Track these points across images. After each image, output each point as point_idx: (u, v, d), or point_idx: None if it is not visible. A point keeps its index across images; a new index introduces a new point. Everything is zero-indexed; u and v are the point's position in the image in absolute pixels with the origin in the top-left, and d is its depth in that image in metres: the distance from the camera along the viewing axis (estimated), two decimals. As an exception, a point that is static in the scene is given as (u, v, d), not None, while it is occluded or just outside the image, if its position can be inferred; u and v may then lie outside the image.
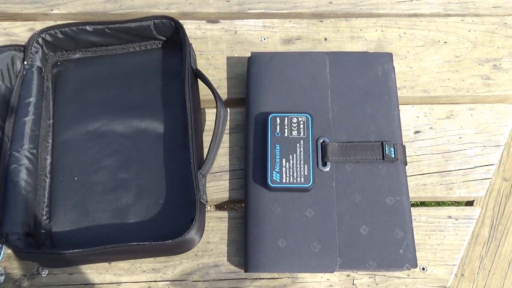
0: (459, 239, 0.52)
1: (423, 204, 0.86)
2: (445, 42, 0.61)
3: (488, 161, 0.55)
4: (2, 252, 0.48)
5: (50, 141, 0.54)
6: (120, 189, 0.52)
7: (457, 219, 0.53)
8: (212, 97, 0.53)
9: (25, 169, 0.50)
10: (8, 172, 0.50)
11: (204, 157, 0.50)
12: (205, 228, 0.52)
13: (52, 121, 0.55)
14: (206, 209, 0.53)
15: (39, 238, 0.50)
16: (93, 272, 0.50)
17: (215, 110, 0.56)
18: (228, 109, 0.57)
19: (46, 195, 0.52)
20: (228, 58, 0.60)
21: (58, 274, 0.50)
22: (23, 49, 0.56)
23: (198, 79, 0.56)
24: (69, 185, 0.52)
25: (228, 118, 0.56)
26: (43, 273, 0.50)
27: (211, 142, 0.49)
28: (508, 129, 0.57)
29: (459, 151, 0.55)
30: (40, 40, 0.56)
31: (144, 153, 0.53)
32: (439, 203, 0.88)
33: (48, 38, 0.56)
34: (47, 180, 0.53)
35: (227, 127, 0.56)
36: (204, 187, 0.49)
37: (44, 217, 0.51)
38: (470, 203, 0.55)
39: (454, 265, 0.51)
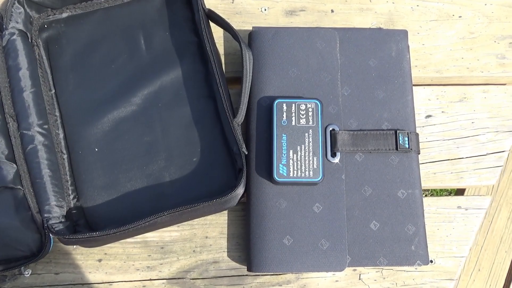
0: (468, 230, 0.50)
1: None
2: (460, 17, 0.56)
3: (500, 147, 0.52)
4: (51, 243, 0.45)
5: (57, 113, 0.48)
6: (147, 153, 0.47)
7: (466, 209, 0.51)
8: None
9: (43, 147, 0.45)
10: (26, 155, 0.45)
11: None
12: (203, 223, 0.48)
13: (54, 91, 0.49)
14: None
15: (72, 219, 0.45)
16: (82, 271, 0.46)
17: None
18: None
19: (68, 173, 0.47)
20: (225, 32, 0.54)
21: (43, 274, 0.46)
22: None
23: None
24: (91, 157, 0.47)
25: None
26: (26, 273, 0.45)
27: (241, 87, 0.45)
28: (521, 113, 0.54)
29: (471, 137, 0.52)
30: None
31: (165, 111, 0.48)
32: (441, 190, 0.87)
33: None
34: (65, 157, 0.47)
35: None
36: (241, 137, 0.45)
37: (71, 196, 0.46)
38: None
39: (463, 256, 0.49)
